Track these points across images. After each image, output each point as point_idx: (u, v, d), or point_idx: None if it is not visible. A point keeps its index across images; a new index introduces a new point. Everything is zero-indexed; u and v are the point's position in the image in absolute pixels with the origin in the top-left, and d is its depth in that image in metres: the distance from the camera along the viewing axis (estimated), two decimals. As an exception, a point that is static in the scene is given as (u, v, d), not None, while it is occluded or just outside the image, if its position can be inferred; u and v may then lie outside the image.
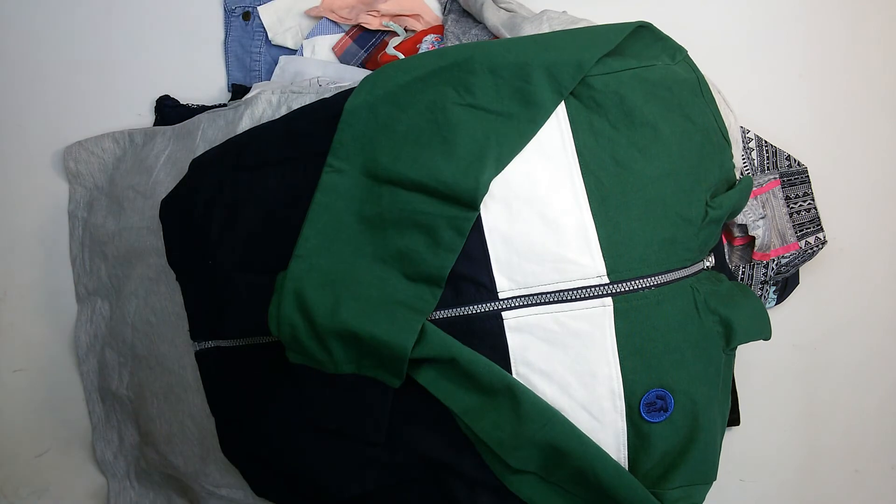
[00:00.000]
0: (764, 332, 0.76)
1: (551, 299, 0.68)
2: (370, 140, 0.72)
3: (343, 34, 1.04)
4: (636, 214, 0.68)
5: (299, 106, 0.82)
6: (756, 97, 0.99)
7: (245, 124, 0.86)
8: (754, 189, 0.89)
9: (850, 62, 1.00)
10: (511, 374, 0.68)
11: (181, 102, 1.05)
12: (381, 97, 0.73)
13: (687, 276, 0.71)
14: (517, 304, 0.68)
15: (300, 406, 0.73)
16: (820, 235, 0.90)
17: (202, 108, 1.03)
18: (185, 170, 0.83)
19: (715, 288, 0.73)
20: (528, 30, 0.86)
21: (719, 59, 0.93)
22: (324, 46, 1.04)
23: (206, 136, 0.90)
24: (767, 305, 0.95)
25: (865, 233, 0.99)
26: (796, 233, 0.90)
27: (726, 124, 0.75)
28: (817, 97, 1.00)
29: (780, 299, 0.96)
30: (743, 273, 0.92)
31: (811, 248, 0.90)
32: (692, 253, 0.71)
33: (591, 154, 0.69)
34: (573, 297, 0.67)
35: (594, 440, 0.68)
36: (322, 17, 1.04)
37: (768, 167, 0.92)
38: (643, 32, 0.75)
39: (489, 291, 0.68)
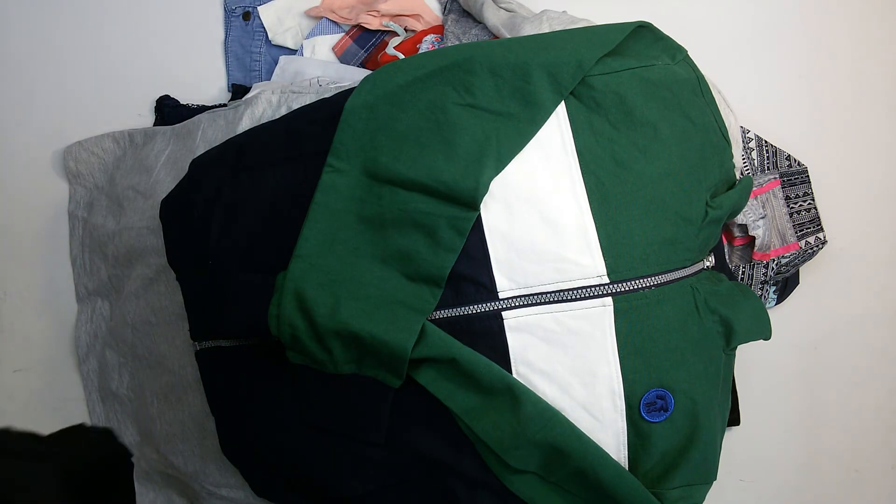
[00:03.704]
0: (764, 332, 0.76)
1: (551, 299, 0.68)
2: (370, 140, 0.72)
3: (343, 34, 1.04)
4: (636, 214, 0.68)
5: (299, 106, 0.82)
6: (756, 97, 0.99)
7: (245, 124, 0.86)
8: (754, 189, 0.89)
9: (850, 62, 1.00)
10: (511, 373, 0.68)
11: (181, 102, 1.05)
12: (381, 97, 0.73)
13: (687, 276, 0.71)
14: (517, 303, 0.68)
15: (300, 406, 0.73)
16: (820, 235, 0.90)
17: (202, 108, 1.03)
18: (185, 170, 0.83)
19: (715, 288, 0.73)
20: (528, 30, 0.86)
21: (720, 59, 0.93)
22: (324, 46, 1.04)
23: (206, 136, 0.90)
24: (767, 305, 0.95)
25: (865, 233, 0.99)
26: (796, 233, 0.90)
27: (726, 124, 0.75)
28: (817, 97, 1.00)
29: (780, 299, 0.96)
30: (743, 273, 0.92)
31: (811, 248, 0.90)
32: (692, 253, 0.71)
33: (592, 154, 0.69)
34: (573, 297, 0.67)
35: (594, 440, 0.68)
36: (322, 17, 1.04)
37: (768, 167, 0.92)
38: (643, 32, 0.75)
39: (489, 291, 0.68)
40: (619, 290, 0.67)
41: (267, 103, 0.87)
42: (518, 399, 0.67)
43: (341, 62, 1.03)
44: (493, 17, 0.92)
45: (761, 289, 0.93)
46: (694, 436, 0.68)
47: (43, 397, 1.05)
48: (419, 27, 1.01)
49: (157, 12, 1.07)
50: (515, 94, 0.71)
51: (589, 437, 0.67)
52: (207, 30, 1.07)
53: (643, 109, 0.70)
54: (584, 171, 0.69)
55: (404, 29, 1.01)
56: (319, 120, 0.77)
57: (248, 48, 1.06)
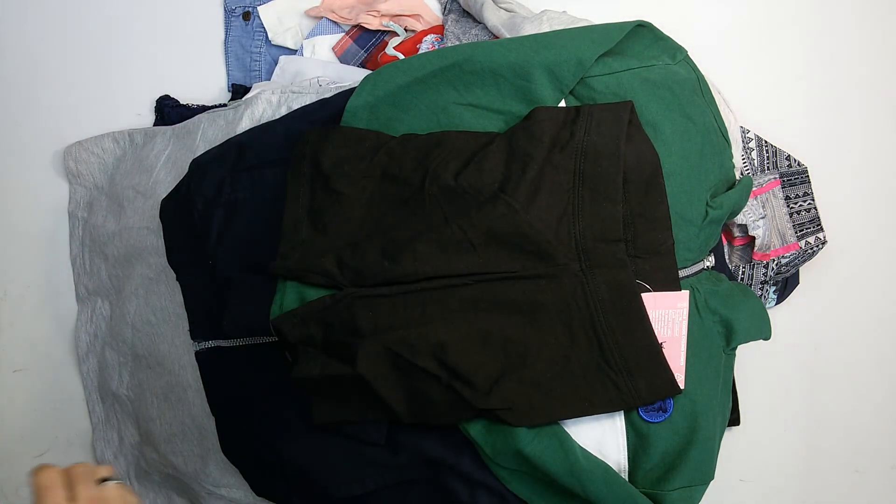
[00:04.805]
0: (764, 332, 0.76)
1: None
2: (370, 140, 0.72)
3: (343, 34, 1.04)
4: (637, 214, 0.68)
5: (299, 106, 0.82)
6: (756, 97, 0.99)
7: (245, 124, 0.86)
8: (754, 189, 0.89)
9: (849, 62, 1.00)
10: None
11: (181, 102, 1.05)
12: (381, 98, 0.73)
13: (687, 276, 0.71)
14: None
15: (300, 406, 0.73)
16: (820, 235, 0.90)
17: (202, 108, 1.03)
18: (185, 170, 0.83)
19: (715, 288, 0.73)
20: (528, 30, 0.86)
21: (720, 59, 0.93)
22: (324, 46, 1.04)
23: (206, 136, 0.90)
24: (767, 305, 0.95)
25: (865, 233, 0.99)
26: (796, 233, 0.90)
27: (726, 124, 0.75)
28: (817, 97, 1.00)
29: (780, 299, 0.96)
30: (743, 273, 0.92)
31: (811, 248, 0.90)
32: (692, 253, 0.71)
33: (592, 154, 0.69)
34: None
35: (593, 439, 0.68)
36: (322, 17, 1.04)
37: (768, 167, 0.92)
38: (643, 32, 0.75)
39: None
40: (619, 290, 0.67)
41: (267, 103, 0.87)
42: None
43: (341, 62, 1.03)
44: (493, 17, 0.92)
45: (761, 289, 0.93)
46: (693, 437, 0.68)
47: (43, 397, 1.05)
48: (419, 27, 1.01)
49: (157, 12, 1.07)
50: (516, 93, 0.71)
51: (577, 450, 0.67)
52: (207, 30, 1.07)
53: (644, 109, 0.70)
54: (585, 171, 0.69)
55: (404, 29, 1.01)
56: (320, 120, 0.77)
57: (248, 48, 1.06)
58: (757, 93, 1.00)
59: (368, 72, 0.92)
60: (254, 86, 1.01)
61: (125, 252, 0.96)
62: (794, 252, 0.90)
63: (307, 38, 1.04)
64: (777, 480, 1.00)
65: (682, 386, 0.67)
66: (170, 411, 0.89)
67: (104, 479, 0.54)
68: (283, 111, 0.86)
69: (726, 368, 0.74)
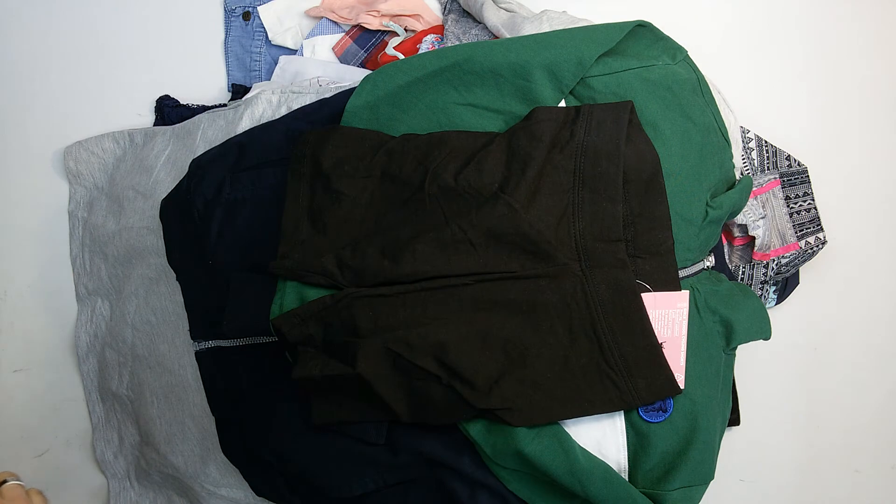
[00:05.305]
0: (764, 332, 0.76)
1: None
2: (371, 140, 0.72)
3: (343, 34, 1.04)
4: (637, 214, 0.68)
5: (299, 106, 0.82)
6: (756, 97, 0.99)
7: (245, 124, 0.86)
8: (754, 189, 0.89)
9: (850, 62, 1.00)
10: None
11: (181, 102, 1.05)
12: (381, 98, 0.73)
13: (687, 276, 0.71)
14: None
15: (300, 406, 0.73)
16: (820, 235, 0.90)
17: (202, 108, 1.03)
18: (185, 170, 0.83)
19: (715, 288, 0.73)
20: (529, 30, 0.86)
21: (719, 59, 0.93)
22: (324, 46, 1.04)
23: (206, 136, 0.90)
24: (767, 305, 0.95)
25: (865, 233, 0.99)
26: (796, 233, 0.90)
27: (726, 124, 0.75)
28: (817, 97, 1.00)
29: (780, 299, 0.96)
30: (743, 273, 0.92)
31: (811, 248, 0.90)
32: (692, 253, 0.71)
33: (592, 154, 0.69)
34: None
35: (593, 439, 0.68)
36: (322, 17, 1.04)
37: (768, 167, 0.92)
38: (643, 32, 0.75)
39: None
40: (619, 290, 0.67)
41: (267, 103, 0.87)
42: None
43: (341, 62, 1.03)
44: (494, 17, 0.92)
45: (761, 289, 0.93)
46: (693, 437, 0.68)
47: (43, 397, 1.05)
48: (419, 27, 1.01)
49: (157, 12, 1.07)
50: (516, 92, 0.71)
51: (577, 450, 0.67)
52: (207, 30, 1.07)
53: (644, 109, 0.70)
54: (584, 171, 0.69)
55: (404, 29, 1.01)
56: (320, 120, 0.77)
57: (248, 48, 1.06)
58: (757, 93, 1.00)
59: (368, 72, 0.92)
60: (254, 86, 1.02)
61: (125, 252, 0.96)
62: (794, 252, 0.90)
63: (307, 38, 1.04)
64: (777, 480, 1.00)
65: (682, 386, 0.67)
66: (170, 411, 0.89)
67: (3, 482, 0.53)
68: (283, 111, 0.86)
69: (726, 368, 0.74)
